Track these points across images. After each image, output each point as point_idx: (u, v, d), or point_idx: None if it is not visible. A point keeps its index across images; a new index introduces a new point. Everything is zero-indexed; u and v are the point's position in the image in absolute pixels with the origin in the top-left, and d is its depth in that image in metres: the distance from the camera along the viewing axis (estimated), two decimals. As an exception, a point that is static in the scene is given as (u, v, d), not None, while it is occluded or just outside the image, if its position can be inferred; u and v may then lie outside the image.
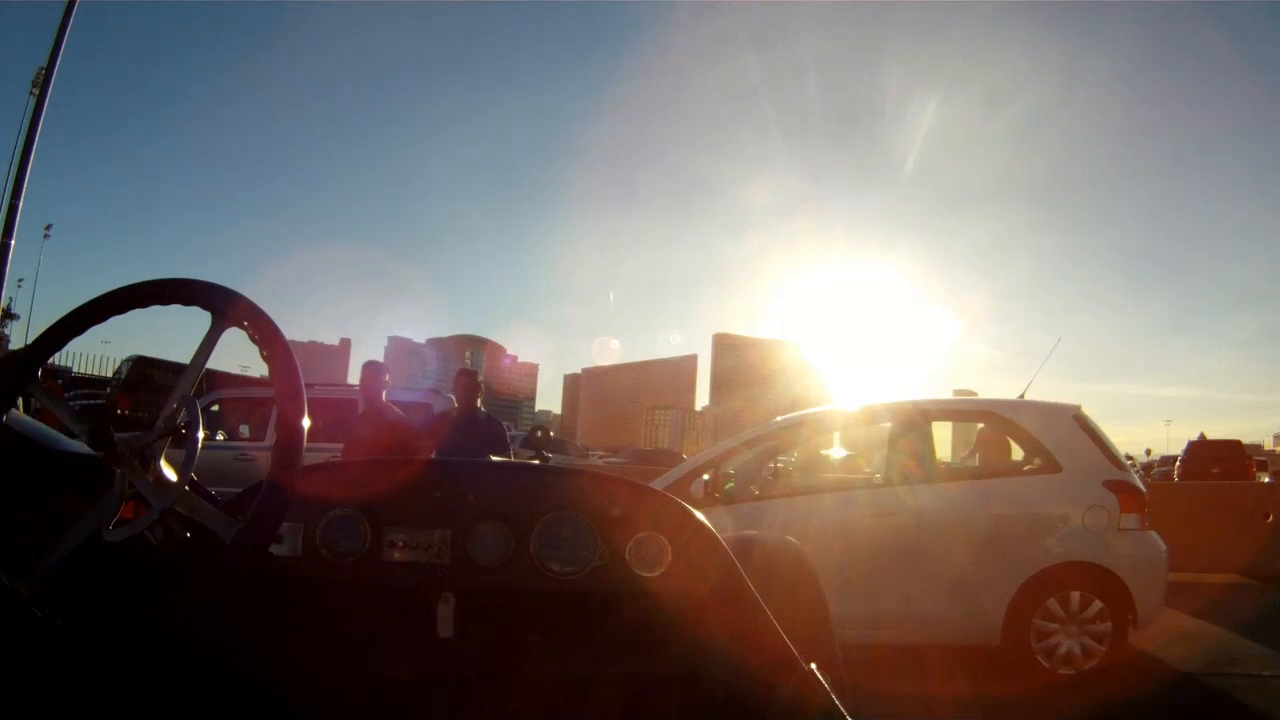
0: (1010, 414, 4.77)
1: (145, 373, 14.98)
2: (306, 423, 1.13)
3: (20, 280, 31.80)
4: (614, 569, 1.32)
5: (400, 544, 1.32)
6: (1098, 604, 4.23)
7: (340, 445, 5.28)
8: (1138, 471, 5.40)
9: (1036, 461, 4.63)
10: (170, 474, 1.15)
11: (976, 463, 5.27)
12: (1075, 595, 4.24)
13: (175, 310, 1.24)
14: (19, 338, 26.55)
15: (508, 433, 5.45)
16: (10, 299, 25.73)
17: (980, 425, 5.31)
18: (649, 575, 1.32)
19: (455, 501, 1.34)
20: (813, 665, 1.29)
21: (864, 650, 4.01)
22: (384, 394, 5.32)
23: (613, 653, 1.33)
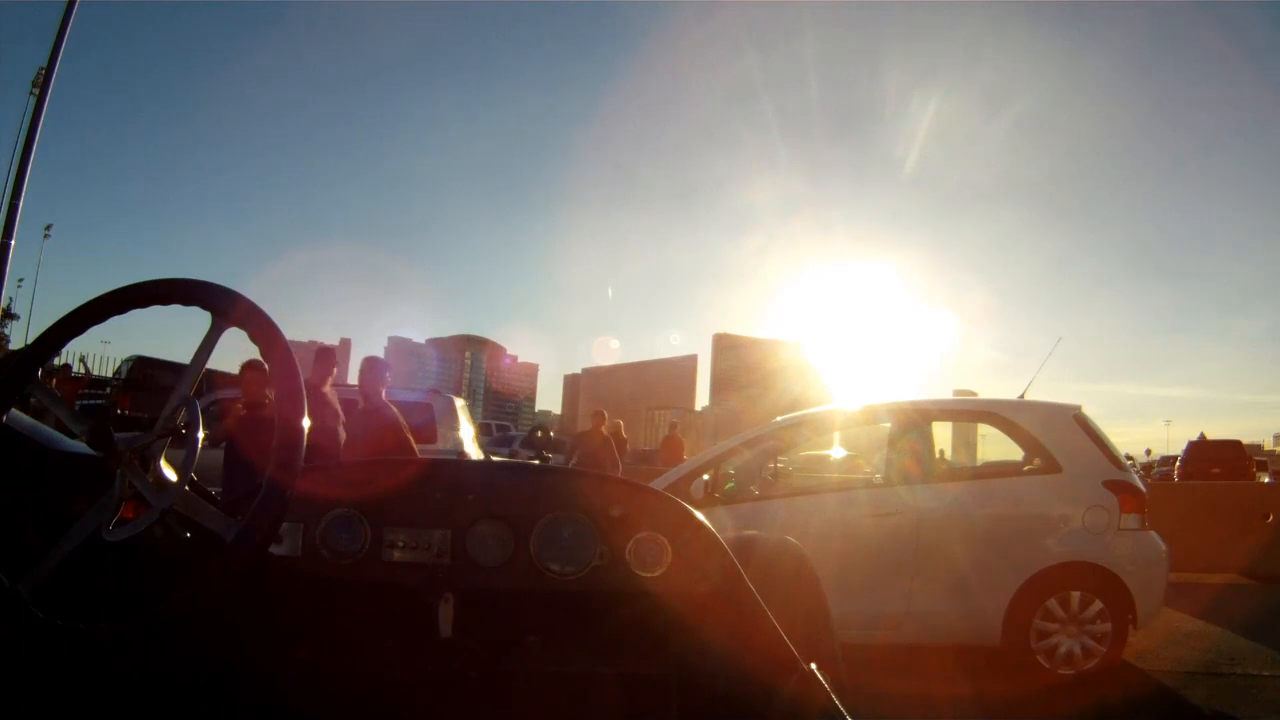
0: (1010, 414, 4.76)
1: (145, 373, 14.96)
2: (306, 423, 1.13)
3: (20, 280, 31.68)
4: (614, 569, 1.32)
5: (400, 544, 1.32)
6: (1098, 604, 4.23)
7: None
8: (1138, 471, 5.40)
9: (1036, 461, 4.63)
10: (170, 474, 1.15)
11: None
12: (1075, 595, 4.24)
13: (175, 310, 1.24)
14: (19, 338, 26.56)
15: (506, 433, 5.44)
16: (10, 299, 25.77)
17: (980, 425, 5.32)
18: (649, 575, 1.32)
19: (455, 501, 1.34)
20: (813, 665, 1.28)
21: (864, 650, 4.01)
22: (384, 392, 5.31)
23: (612, 653, 1.33)
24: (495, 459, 9.81)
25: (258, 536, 1.09)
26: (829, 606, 1.65)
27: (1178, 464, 21.92)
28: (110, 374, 16.76)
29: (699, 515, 1.37)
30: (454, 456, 8.04)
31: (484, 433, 15.79)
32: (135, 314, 1.21)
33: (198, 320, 1.19)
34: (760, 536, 1.68)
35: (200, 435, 1.15)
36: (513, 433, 26.55)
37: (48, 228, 36.10)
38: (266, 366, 1.16)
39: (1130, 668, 4.49)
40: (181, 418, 1.18)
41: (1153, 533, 4.42)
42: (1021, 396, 5.12)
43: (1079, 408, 4.75)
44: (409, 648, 1.29)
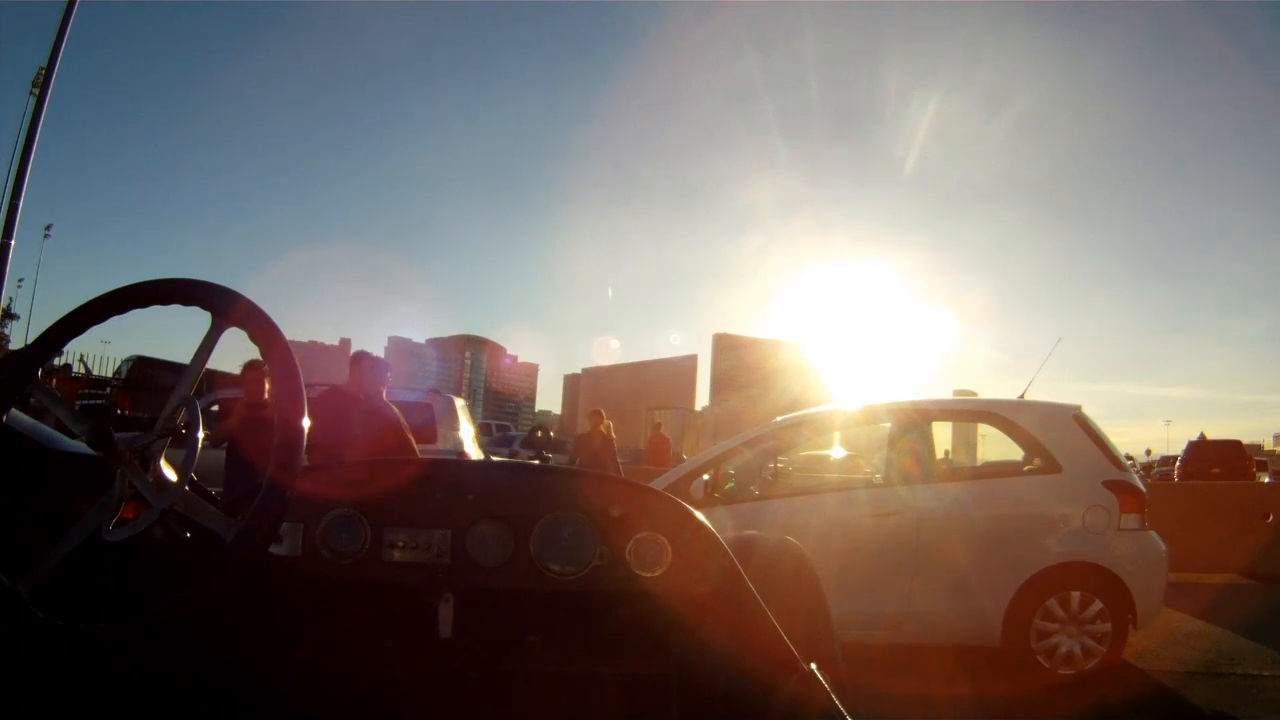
0: (1010, 414, 4.77)
1: (145, 373, 14.96)
2: (306, 423, 1.13)
3: (20, 280, 31.63)
4: (614, 569, 1.32)
5: (400, 544, 1.32)
6: (1098, 604, 4.23)
7: None
8: (1138, 471, 5.40)
9: (1036, 462, 4.63)
10: (170, 474, 1.15)
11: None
12: (1075, 595, 4.24)
13: (175, 310, 1.24)
14: (19, 338, 26.58)
15: (506, 433, 5.44)
16: (10, 299, 25.79)
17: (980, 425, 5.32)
18: (649, 575, 1.32)
19: (455, 501, 1.34)
20: (813, 665, 1.28)
21: (864, 650, 4.02)
22: (384, 392, 5.31)
23: (612, 653, 1.33)
24: (495, 459, 9.80)
25: (258, 536, 1.09)
26: (829, 606, 1.65)
27: (1178, 464, 21.92)
28: (110, 374, 16.75)
29: (699, 515, 1.37)
30: (454, 456, 8.04)
31: (484, 433, 15.78)
32: (135, 314, 1.21)
33: (198, 320, 1.20)
34: (760, 536, 1.68)
35: (200, 435, 1.15)
36: (513, 433, 26.56)
37: (48, 228, 36.10)
38: (268, 366, 1.16)
39: (1130, 668, 4.49)
40: (181, 418, 1.18)
41: (1153, 533, 4.42)
42: (1021, 396, 5.13)
43: (1079, 408, 4.76)
44: (409, 648, 1.29)
